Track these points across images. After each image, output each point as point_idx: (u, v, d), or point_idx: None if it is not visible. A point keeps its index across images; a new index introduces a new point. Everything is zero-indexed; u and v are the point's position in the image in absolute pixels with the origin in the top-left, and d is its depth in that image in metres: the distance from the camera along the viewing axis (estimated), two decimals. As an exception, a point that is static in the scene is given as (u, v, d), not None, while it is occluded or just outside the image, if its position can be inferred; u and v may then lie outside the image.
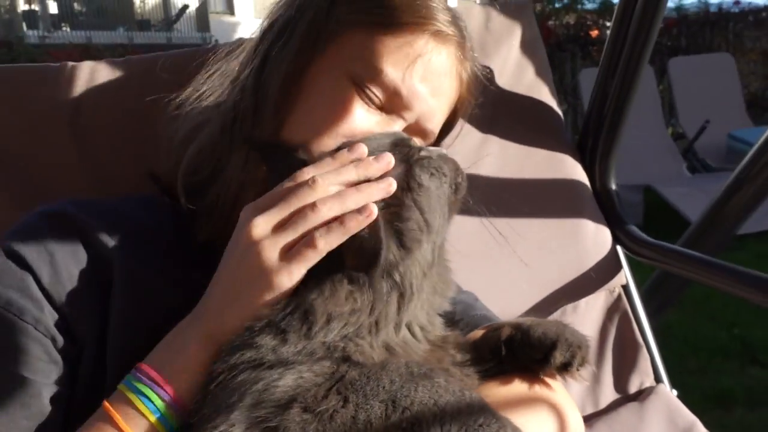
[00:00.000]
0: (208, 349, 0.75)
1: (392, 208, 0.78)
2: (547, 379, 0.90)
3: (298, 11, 0.95)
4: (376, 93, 0.92)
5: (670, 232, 1.87)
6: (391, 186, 0.77)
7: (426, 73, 0.93)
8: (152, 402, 0.72)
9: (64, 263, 0.84)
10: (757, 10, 9.67)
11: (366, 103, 0.92)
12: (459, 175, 0.88)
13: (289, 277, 0.73)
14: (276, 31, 0.96)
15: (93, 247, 0.88)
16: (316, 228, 0.72)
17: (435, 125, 0.98)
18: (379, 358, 0.74)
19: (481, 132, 1.48)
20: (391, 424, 0.65)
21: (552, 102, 1.56)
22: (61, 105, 1.22)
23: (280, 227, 0.74)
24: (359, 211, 0.73)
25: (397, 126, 0.95)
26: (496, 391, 0.82)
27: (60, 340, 0.82)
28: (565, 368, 0.85)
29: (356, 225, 0.72)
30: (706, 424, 1.34)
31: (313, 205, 0.73)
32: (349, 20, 0.92)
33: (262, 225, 0.74)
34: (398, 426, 0.65)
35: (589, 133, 1.52)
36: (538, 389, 0.88)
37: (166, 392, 0.73)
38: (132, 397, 0.73)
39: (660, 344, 1.50)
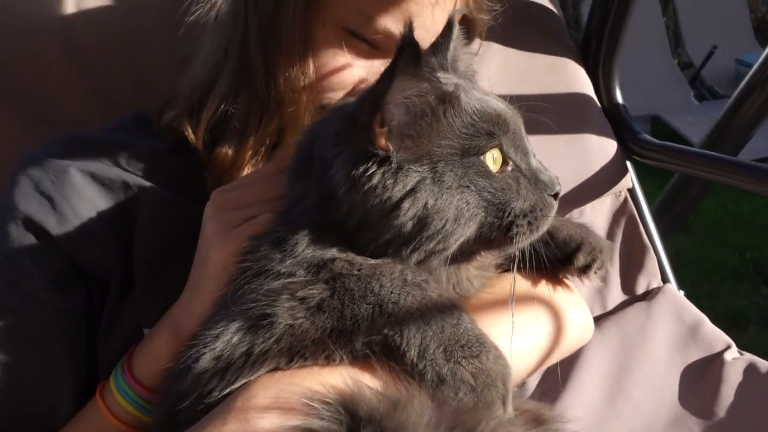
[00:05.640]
0: (176, 337, 0.80)
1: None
2: (566, 280, 0.92)
3: None
4: (368, 38, 0.90)
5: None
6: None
7: (420, 5, 0.89)
8: (129, 396, 0.84)
9: (69, 206, 0.90)
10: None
11: (356, 52, 0.91)
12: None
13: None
14: None
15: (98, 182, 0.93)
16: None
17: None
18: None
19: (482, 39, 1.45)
20: (376, 326, 0.68)
21: (550, 5, 1.53)
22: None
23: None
24: None
25: None
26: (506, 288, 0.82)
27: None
28: (584, 270, 0.89)
29: None
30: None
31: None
32: None
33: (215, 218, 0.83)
34: (381, 329, 0.68)
35: (591, 35, 1.49)
36: (543, 289, 0.90)
37: (140, 390, 0.84)
38: (114, 391, 0.85)
39: (672, 271, 1.48)
